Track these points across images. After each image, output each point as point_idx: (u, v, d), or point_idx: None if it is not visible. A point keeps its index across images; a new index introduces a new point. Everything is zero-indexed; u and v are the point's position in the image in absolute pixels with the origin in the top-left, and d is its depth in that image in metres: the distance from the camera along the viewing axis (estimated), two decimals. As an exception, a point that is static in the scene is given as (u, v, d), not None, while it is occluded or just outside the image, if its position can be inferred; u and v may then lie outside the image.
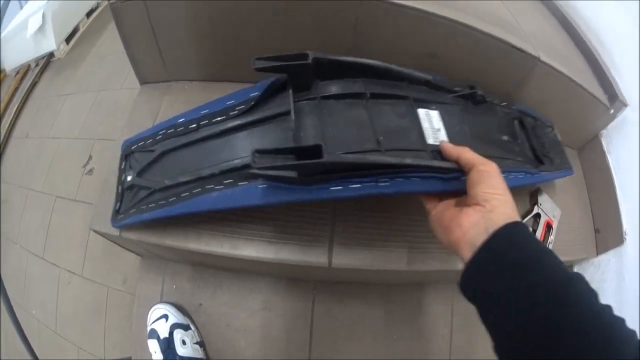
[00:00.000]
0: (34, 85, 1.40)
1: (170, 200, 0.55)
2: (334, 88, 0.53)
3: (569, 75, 0.77)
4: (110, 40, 1.38)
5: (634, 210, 0.85)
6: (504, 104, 0.69)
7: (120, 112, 1.15)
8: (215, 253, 0.60)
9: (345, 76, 0.53)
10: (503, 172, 0.46)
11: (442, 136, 0.53)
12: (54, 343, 1.03)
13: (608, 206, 0.88)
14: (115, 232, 0.64)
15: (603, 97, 0.86)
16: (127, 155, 0.65)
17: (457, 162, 0.45)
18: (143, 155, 0.62)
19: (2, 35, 1.39)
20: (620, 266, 0.84)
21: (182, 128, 0.59)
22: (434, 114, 0.55)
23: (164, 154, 0.59)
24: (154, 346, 0.69)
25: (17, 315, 1.10)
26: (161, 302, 0.75)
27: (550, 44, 0.83)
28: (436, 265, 0.64)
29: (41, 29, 1.37)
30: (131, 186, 0.61)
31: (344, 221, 0.61)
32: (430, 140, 0.51)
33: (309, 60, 0.47)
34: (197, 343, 0.71)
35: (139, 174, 0.61)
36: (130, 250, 0.80)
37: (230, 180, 0.51)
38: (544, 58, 0.72)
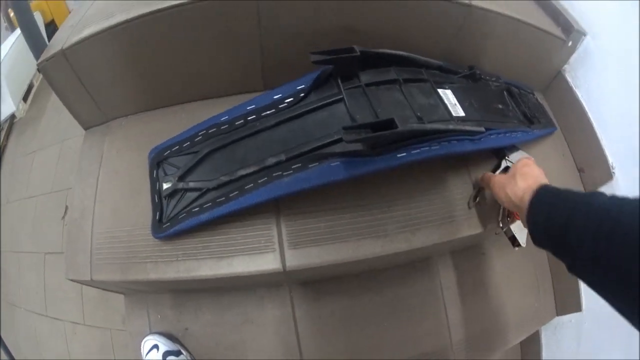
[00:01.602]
0: (3, 149, 1.50)
1: (231, 195, 0.60)
2: (373, 77, 0.63)
3: (510, 14, 0.76)
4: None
5: (617, 141, 0.83)
6: (493, 79, 0.82)
7: (87, 158, 1.22)
8: (174, 279, 0.64)
9: (377, 66, 0.64)
10: (506, 132, 0.73)
11: (459, 110, 0.68)
12: (75, 395, 1.12)
13: (588, 143, 0.87)
14: (87, 277, 0.70)
15: (556, 31, 0.85)
16: (158, 162, 0.69)
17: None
18: (181, 159, 0.67)
19: None
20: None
21: (227, 126, 0.64)
22: (449, 92, 0.69)
23: (210, 153, 0.64)
24: (150, 375, 0.75)
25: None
26: (150, 333, 0.80)
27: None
28: (398, 247, 0.66)
29: (-2, 93, 1.47)
30: (173, 192, 0.65)
31: (289, 222, 0.64)
32: (453, 113, 0.66)
33: (357, 53, 0.56)
34: (190, 366, 0.76)
35: (181, 178, 0.65)
36: (112, 291, 0.86)
37: (299, 165, 0.58)
38: (476, 3, 0.71)
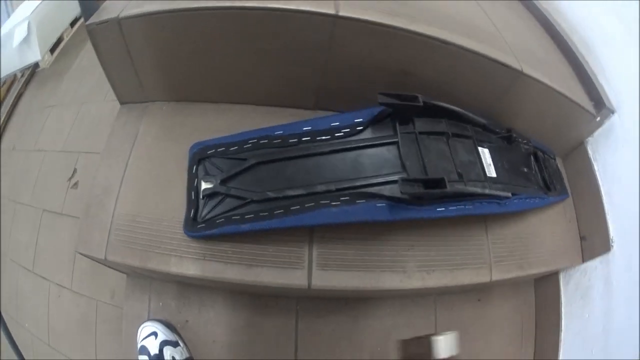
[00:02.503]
0: (20, 96, 1.42)
1: (275, 212, 0.58)
2: (426, 126, 0.65)
3: (552, 85, 0.78)
4: (93, 53, 1.39)
5: (621, 217, 0.87)
6: (524, 141, 0.82)
7: (103, 125, 1.16)
8: (198, 277, 0.63)
9: (430, 115, 0.66)
10: (527, 198, 0.75)
11: (492, 170, 0.69)
12: (47, 355, 1.07)
13: (594, 213, 0.90)
14: (101, 255, 0.68)
15: (589, 105, 0.87)
16: (200, 159, 0.67)
17: None
18: (225, 161, 0.65)
19: None
20: (608, 273, 0.86)
21: (279, 141, 0.63)
22: (486, 152, 0.71)
23: (259, 164, 0.62)
24: (144, 362, 0.73)
25: (11, 328, 1.15)
26: (149, 319, 0.78)
27: (532, 51, 0.84)
28: (414, 284, 0.68)
29: (26, 39, 1.38)
30: (213, 194, 0.63)
31: (321, 244, 0.64)
32: (487, 173, 0.68)
33: (421, 104, 0.59)
34: (186, 359, 0.74)
35: (224, 181, 0.63)
36: (116, 269, 0.84)
37: (347, 198, 0.58)
38: (527, 70, 0.72)
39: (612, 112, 0.88)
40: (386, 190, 0.59)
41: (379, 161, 0.61)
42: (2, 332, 1.16)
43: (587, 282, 0.90)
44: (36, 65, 1.48)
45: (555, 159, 0.93)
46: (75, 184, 1.15)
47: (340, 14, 0.58)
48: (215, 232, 0.60)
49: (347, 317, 0.79)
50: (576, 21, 0.97)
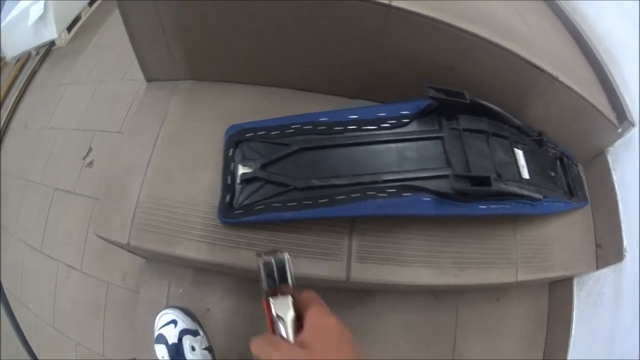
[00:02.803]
0: (34, 74, 1.36)
1: (320, 201, 0.55)
2: (469, 123, 0.63)
3: (583, 94, 0.77)
4: (112, 30, 1.33)
5: (635, 228, 0.86)
6: (552, 146, 0.80)
7: (120, 105, 1.11)
8: (230, 265, 0.59)
9: (473, 113, 0.64)
10: (554, 201, 0.73)
11: (525, 172, 0.67)
12: (52, 338, 1.02)
13: (610, 222, 0.89)
14: (123, 239, 0.63)
15: (612, 116, 0.86)
16: (238, 142, 0.62)
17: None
18: (266, 146, 0.60)
19: (4, 23, 1.34)
20: (619, 282, 0.85)
21: (324, 127, 0.60)
22: (520, 153, 0.69)
23: (302, 150, 0.58)
24: (161, 351, 0.68)
25: (15, 309, 1.08)
26: (169, 307, 0.73)
27: (564, 58, 0.83)
28: (447, 280, 0.65)
29: (42, 17, 1.32)
30: (252, 178, 0.58)
31: (361, 236, 0.61)
32: (522, 175, 0.66)
33: (468, 101, 0.57)
34: (206, 348, 0.70)
35: (264, 166, 0.59)
36: (135, 253, 0.79)
37: (394, 190, 0.56)
38: (562, 78, 0.72)
39: (633, 124, 0.87)
40: (431, 184, 0.57)
41: (424, 155, 0.59)
42: (3, 312, 1.09)
43: (599, 289, 0.89)
44: (52, 43, 1.42)
45: (577, 165, 0.92)
46: (90, 162, 1.09)
47: (394, 4, 0.56)
48: (254, 219, 0.57)
49: (372, 311, 0.76)
50: (602, 33, 0.96)
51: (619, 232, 0.87)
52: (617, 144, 0.90)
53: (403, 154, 0.58)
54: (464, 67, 0.66)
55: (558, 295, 0.95)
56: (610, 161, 0.91)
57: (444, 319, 0.82)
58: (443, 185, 0.56)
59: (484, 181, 0.55)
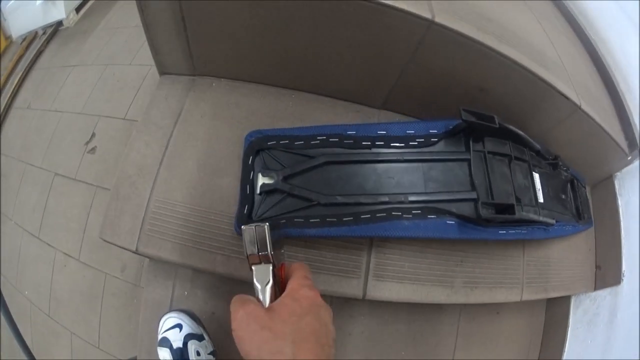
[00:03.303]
0: (39, 53, 1.29)
1: (345, 219, 0.52)
2: (494, 146, 0.62)
3: (601, 123, 0.76)
4: (122, 13, 1.26)
5: (635, 253, 0.87)
6: (565, 168, 0.79)
7: (128, 90, 1.05)
8: (245, 279, 0.56)
9: (498, 136, 0.63)
10: (564, 225, 0.74)
11: (541, 196, 0.66)
12: (47, 327, 0.98)
13: (612, 245, 0.89)
14: (131, 245, 0.59)
15: (624, 144, 0.86)
16: (259, 150, 0.58)
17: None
18: (289, 156, 0.57)
19: (11, 1, 1.26)
20: (615, 304, 0.86)
21: (352, 142, 0.57)
22: (537, 177, 0.68)
23: (327, 164, 0.55)
24: (165, 355, 0.65)
25: (9, 294, 1.04)
26: (174, 310, 0.70)
27: (587, 85, 0.81)
28: (458, 299, 0.64)
29: (51, -4, 1.24)
30: (273, 190, 0.55)
31: (380, 254, 0.59)
32: (538, 199, 0.66)
33: (497, 125, 0.56)
34: (210, 353, 0.67)
35: (286, 178, 0.55)
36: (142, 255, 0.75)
37: (419, 212, 0.53)
38: (584, 107, 0.70)
39: (642, 153, 0.86)
40: (455, 207, 0.55)
41: (450, 177, 0.58)
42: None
43: (595, 309, 0.90)
44: (59, 23, 1.35)
45: (585, 188, 0.91)
46: (93, 149, 1.03)
47: (437, 20, 0.52)
48: (275, 234, 0.53)
49: (377, 320, 0.75)
50: (622, 60, 0.95)
51: (619, 256, 0.88)
52: (625, 170, 0.90)
53: (429, 174, 0.56)
54: (496, 89, 0.64)
55: (555, 312, 0.95)
56: (617, 186, 0.91)
57: (447, 330, 0.81)
58: (467, 209, 0.54)
59: (508, 208, 0.54)
